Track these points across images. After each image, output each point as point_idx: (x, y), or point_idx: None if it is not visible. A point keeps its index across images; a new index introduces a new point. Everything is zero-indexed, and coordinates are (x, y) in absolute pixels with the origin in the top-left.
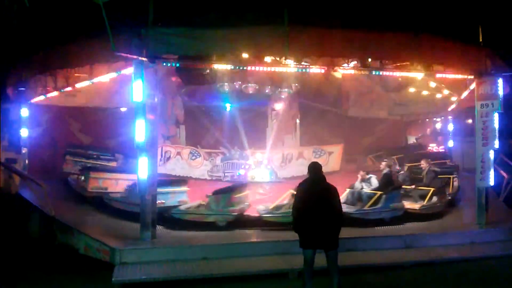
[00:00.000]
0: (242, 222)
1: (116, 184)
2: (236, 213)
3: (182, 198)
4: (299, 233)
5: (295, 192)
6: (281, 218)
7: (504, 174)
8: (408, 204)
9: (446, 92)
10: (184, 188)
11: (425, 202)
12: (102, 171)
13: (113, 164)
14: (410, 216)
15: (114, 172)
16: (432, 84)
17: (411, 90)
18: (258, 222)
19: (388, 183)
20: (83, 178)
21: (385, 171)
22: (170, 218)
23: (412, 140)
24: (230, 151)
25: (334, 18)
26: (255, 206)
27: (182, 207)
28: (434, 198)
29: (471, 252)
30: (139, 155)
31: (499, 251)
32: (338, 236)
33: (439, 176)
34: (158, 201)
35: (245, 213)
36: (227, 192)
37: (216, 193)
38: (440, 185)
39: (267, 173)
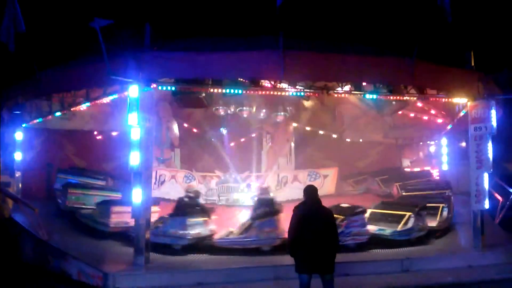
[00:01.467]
0: (198, 247)
1: (94, 201)
2: (189, 237)
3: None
4: (294, 257)
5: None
6: (233, 244)
7: (499, 197)
8: (379, 229)
9: (440, 115)
10: (155, 209)
11: (399, 228)
12: (82, 188)
13: (100, 183)
14: (378, 242)
15: (94, 189)
16: (426, 108)
17: (405, 113)
18: (212, 248)
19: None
20: (62, 192)
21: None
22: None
23: (407, 163)
24: (225, 174)
25: (329, 42)
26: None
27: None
28: (410, 223)
29: (469, 276)
30: (133, 179)
31: (497, 274)
32: (334, 260)
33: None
34: None
35: (204, 238)
36: (183, 216)
37: (172, 215)
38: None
39: (248, 197)
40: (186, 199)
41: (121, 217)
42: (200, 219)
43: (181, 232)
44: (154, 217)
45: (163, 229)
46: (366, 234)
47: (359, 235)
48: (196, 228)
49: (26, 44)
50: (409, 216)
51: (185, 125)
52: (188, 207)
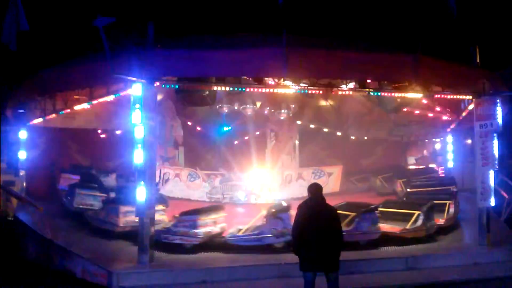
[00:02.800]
0: (208, 245)
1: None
2: (201, 236)
3: (161, 217)
4: (299, 255)
5: (265, 215)
6: (245, 241)
7: (505, 195)
8: (388, 227)
9: (445, 112)
10: (161, 207)
11: (408, 226)
12: (88, 188)
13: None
14: (388, 239)
15: (99, 190)
16: (431, 105)
17: (410, 110)
18: (224, 246)
19: None
20: (69, 194)
21: None
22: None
23: (412, 160)
24: (229, 172)
25: (332, 39)
26: (228, 229)
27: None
28: (419, 221)
29: (475, 273)
30: (137, 178)
31: (503, 272)
32: (339, 258)
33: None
34: None
35: (214, 236)
36: (194, 214)
37: (183, 214)
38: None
39: (269, 195)
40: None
41: (130, 216)
42: (211, 218)
43: (192, 231)
44: (162, 216)
45: (175, 228)
46: (378, 231)
47: (371, 232)
48: (208, 226)
49: (30, 42)
50: (418, 215)
51: (189, 123)
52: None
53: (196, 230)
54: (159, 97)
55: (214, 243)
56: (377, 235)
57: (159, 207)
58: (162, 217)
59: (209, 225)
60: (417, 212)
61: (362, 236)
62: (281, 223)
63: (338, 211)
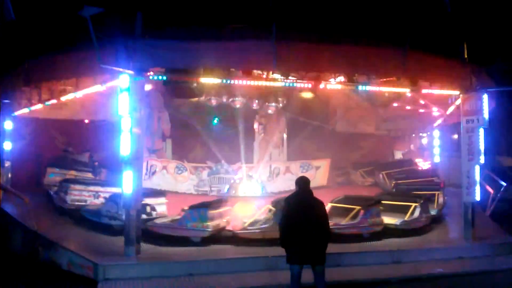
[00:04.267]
0: (217, 238)
1: (96, 197)
2: (210, 229)
3: (161, 211)
4: (286, 248)
5: (272, 208)
6: (255, 234)
7: (490, 190)
8: (387, 219)
9: (432, 107)
10: (162, 200)
11: (406, 217)
12: (83, 184)
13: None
14: (389, 231)
15: (95, 185)
16: (419, 100)
17: (398, 105)
18: (233, 239)
19: None
20: (62, 190)
21: None
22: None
23: (399, 155)
24: (217, 165)
25: (321, 33)
26: (233, 222)
27: (158, 221)
28: (416, 213)
29: (459, 267)
30: (124, 169)
31: (487, 266)
32: (325, 251)
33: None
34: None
35: (221, 229)
36: (203, 207)
37: (192, 207)
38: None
39: (258, 188)
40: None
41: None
42: (218, 211)
43: (202, 224)
44: (162, 209)
45: (182, 222)
46: (381, 223)
47: (375, 225)
48: (216, 219)
49: (15, 32)
50: (415, 207)
51: (177, 115)
52: None
53: (206, 223)
54: (147, 88)
55: (222, 236)
56: (381, 227)
57: (161, 199)
58: (163, 210)
59: (216, 218)
60: (414, 204)
61: (367, 228)
62: None
63: (338, 205)
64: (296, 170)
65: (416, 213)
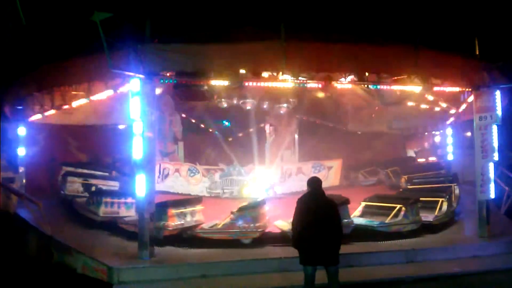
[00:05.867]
0: (266, 238)
1: (127, 208)
2: (261, 230)
3: (198, 218)
4: (298, 249)
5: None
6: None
7: (505, 187)
8: (364, 221)
9: (444, 105)
10: (199, 207)
11: (436, 213)
12: (115, 196)
13: (113, 183)
14: (425, 228)
15: (126, 196)
16: (431, 98)
17: (410, 103)
18: (280, 238)
19: None
20: (93, 202)
21: None
22: (189, 238)
23: (411, 153)
24: (229, 167)
25: (331, 32)
26: (274, 223)
27: (206, 226)
28: (444, 208)
29: (474, 265)
30: (136, 173)
31: (503, 264)
32: (339, 251)
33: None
34: (178, 223)
35: (267, 230)
36: (253, 208)
37: (241, 209)
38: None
39: (262, 190)
40: None
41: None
42: (265, 210)
43: (252, 225)
44: (200, 215)
45: (230, 223)
46: (420, 221)
47: (414, 223)
48: (263, 219)
49: (28, 38)
50: (400, 209)
51: (188, 118)
52: None
53: (255, 224)
54: (158, 92)
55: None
56: (419, 224)
57: (199, 207)
58: (200, 217)
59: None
60: (399, 206)
61: (406, 226)
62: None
63: (372, 203)
64: (308, 171)
65: (444, 208)
